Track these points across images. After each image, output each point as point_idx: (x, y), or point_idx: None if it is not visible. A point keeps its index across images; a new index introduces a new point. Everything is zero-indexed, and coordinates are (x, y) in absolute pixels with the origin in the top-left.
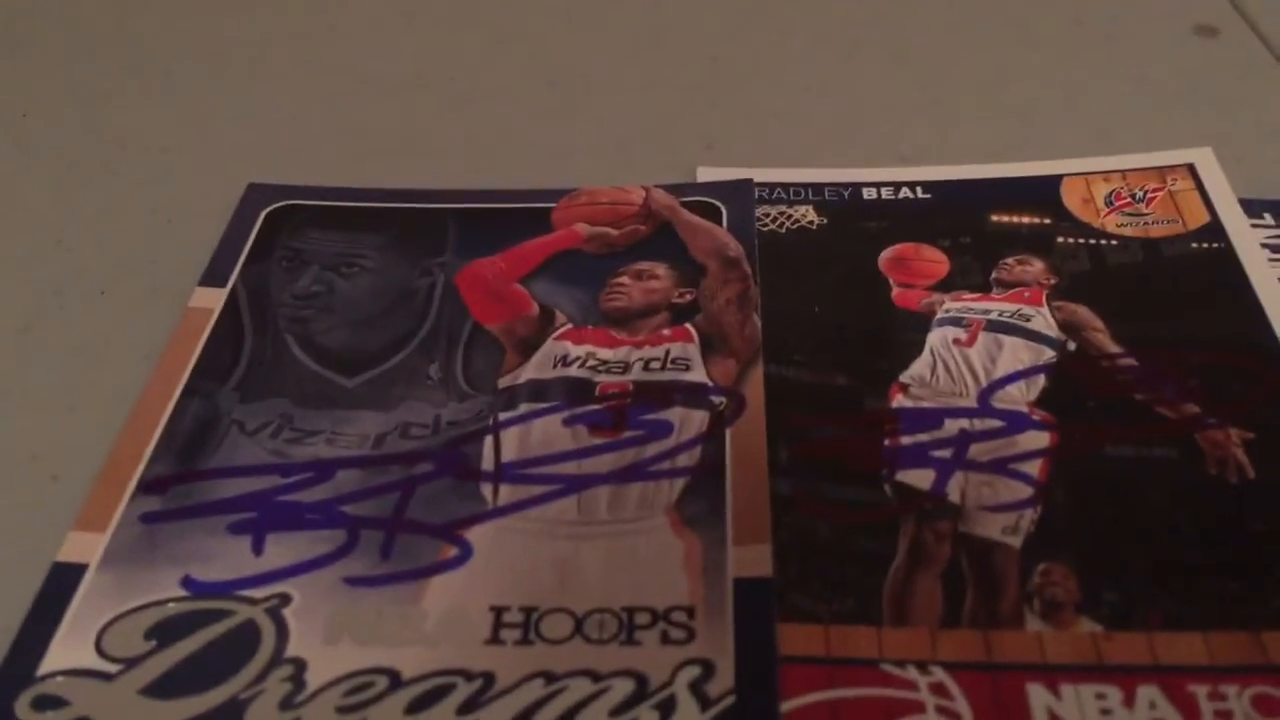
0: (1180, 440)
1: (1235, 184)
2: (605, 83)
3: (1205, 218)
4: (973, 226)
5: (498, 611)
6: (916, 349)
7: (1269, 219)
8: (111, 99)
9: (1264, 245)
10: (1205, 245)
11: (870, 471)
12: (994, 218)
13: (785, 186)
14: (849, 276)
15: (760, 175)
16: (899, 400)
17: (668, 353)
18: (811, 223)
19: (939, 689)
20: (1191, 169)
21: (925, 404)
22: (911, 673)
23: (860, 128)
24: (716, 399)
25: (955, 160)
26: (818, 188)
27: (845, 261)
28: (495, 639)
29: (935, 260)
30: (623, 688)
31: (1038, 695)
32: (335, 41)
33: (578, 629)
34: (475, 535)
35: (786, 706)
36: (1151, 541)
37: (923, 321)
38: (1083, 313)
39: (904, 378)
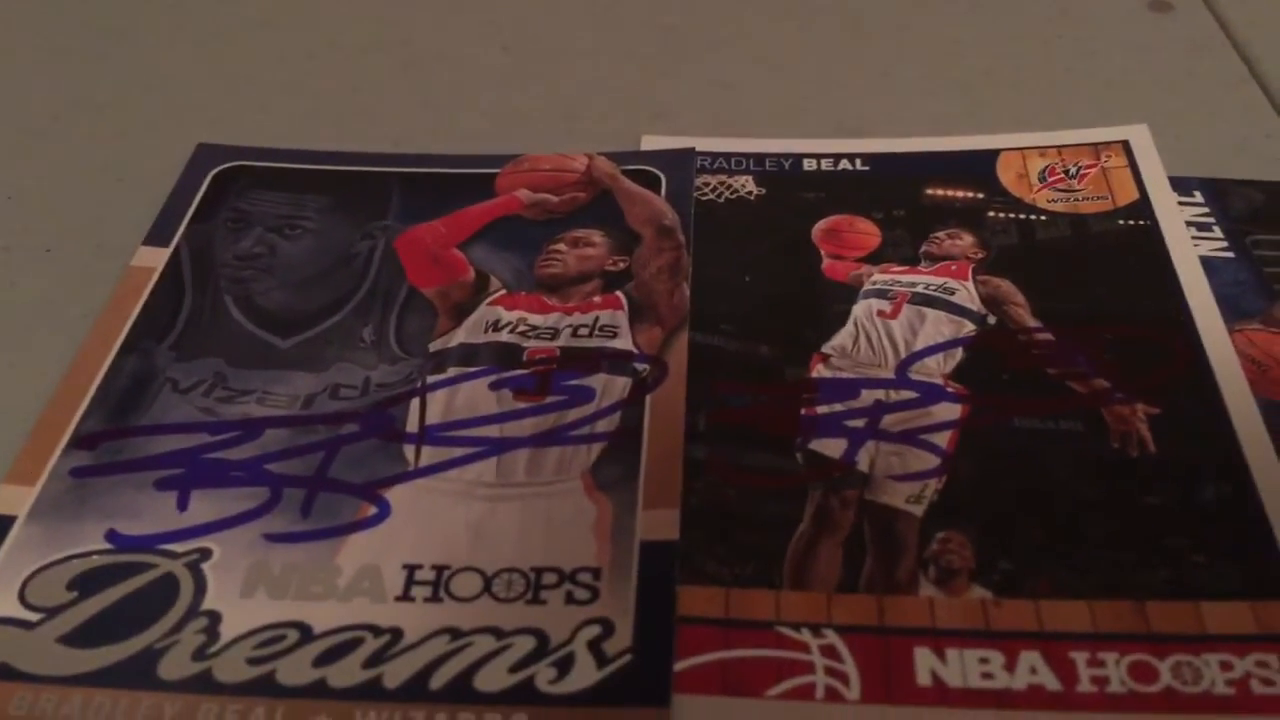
0: (1088, 414)
1: (1173, 161)
2: (558, 50)
3: (1135, 195)
4: (907, 199)
5: (410, 569)
6: (841, 320)
7: (1199, 196)
8: (65, 56)
9: (1190, 223)
10: (1132, 222)
11: (784, 439)
12: (929, 191)
13: (727, 156)
14: (782, 247)
15: (704, 145)
16: (819, 370)
17: (596, 319)
18: (750, 193)
19: (829, 651)
20: (1126, 146)
21: (844, 374)
22: (805, 635)
23: (808, 99)
24: (640, 366)
25: (900, 133)
26: (759, 158)
27: (780, 232)
28: (406, 596)
29: (867, 232)
30: (524, 645)
31: (924, 658)
32: (290, 4)
33: (486, 588)
34: (394, 495)
35: (680, 666)
36: (1048, 512)
37: (850, 293)
38: (1006, 287)
39: (826, 348)
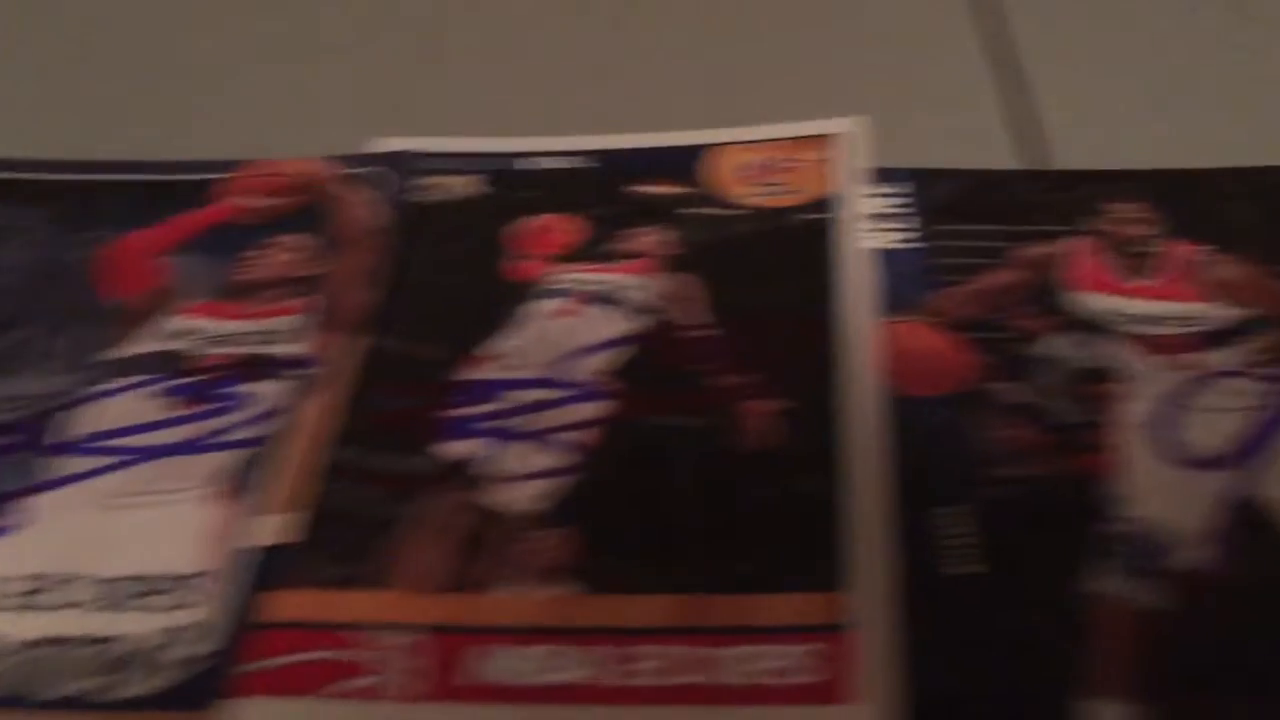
0: (723, 410)
1: (891, 153)
2: (282, 53)
3: (827, 188)
4: (615, 196)
5: (37, 579)
6: (519, 321)
7: (902, 188)
8: None
9: (883, 215)
10: (817, 216)
11: (421, 441)
12: (637, 188)
13: (450, 156)
14: (482, 248)
15: (428, 146)
16: (485, 371)
17: (279, 325)
18: (468, 193)
19: (402, 650)
20: (833, 139)
21: (504, 375)
22: (387, 636)
23: (538, 95)
24: (302, 372)
25: (628, 128)
26: (484, 158)
27: (486, 232)
28: (28, 606)
29: (569, 231)
30: (117, 650)
31: (500, 656)
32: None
33: (99, 595)
34: (33, 505)
35: (257, 668)
36: (656, 509)
37: (538, 293)
38: (686, 284)
39: (495, 349)
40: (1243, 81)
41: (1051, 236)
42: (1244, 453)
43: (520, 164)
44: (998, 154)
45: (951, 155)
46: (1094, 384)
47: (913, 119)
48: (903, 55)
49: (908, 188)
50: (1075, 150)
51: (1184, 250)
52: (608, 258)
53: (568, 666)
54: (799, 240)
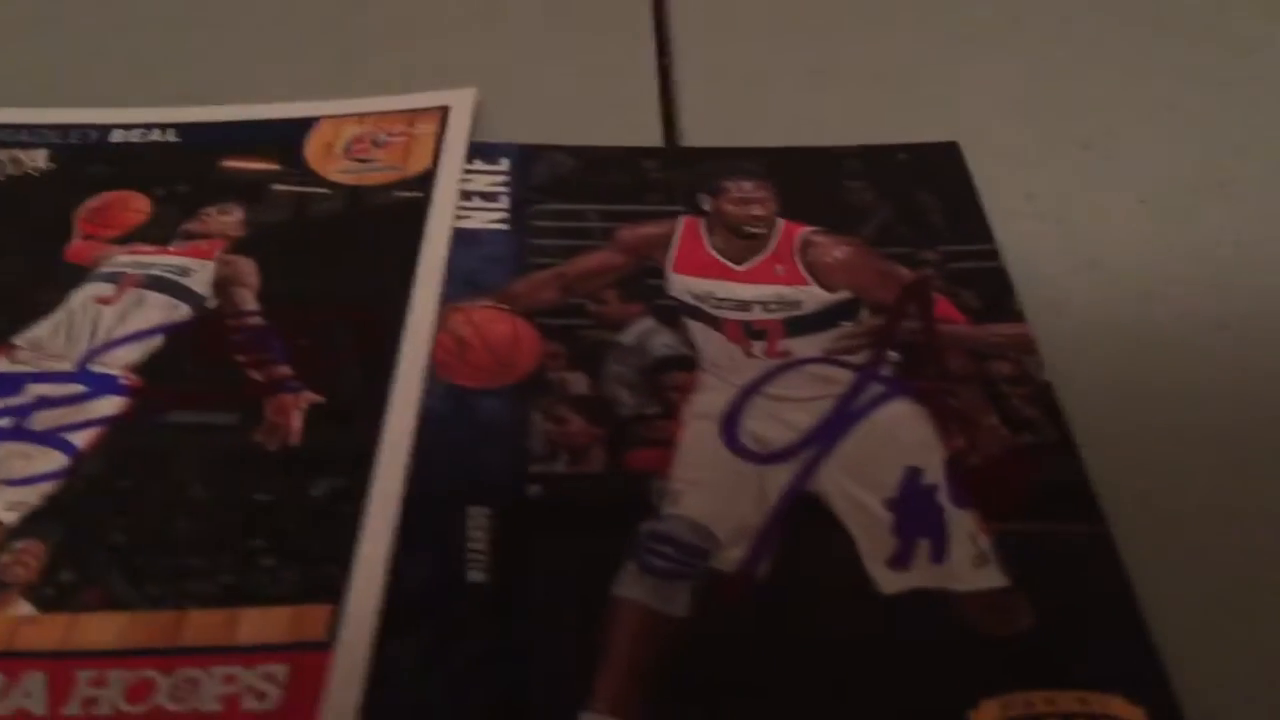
0: (250, 405)
1: (501, 128)
2: None
3: (426, 165)
4: (204, 172)
5: None
6: (52, 308)
7: (504, 164)
8: None
9: (479, 194)
10: (408, 194)
11: None
12: (228, 164)
13: (14, 128)
14: (45, 227)
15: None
16: (12, 362)
17: None
18: (38, 169)
19: None
20: (444, 112)
21: (24, 368)
22: None
23: (124, 63)
24: None
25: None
26: (51, 129)
27: (51, 211)
28: None
29: (136, 210)
30: None
31: None
32: None
33: None
34: None
35: None
36: (146, 514)
37: (90, 276)
38: (243, 267)
39: (18, 339)
40: (879, 59)
41: (661, 216)
42: (808, 445)
43: (108, 136)
44: (624, 130)
45: (575, 130)
46: (672, 373)
47: (529, 92)
48: (522, 26)
49: (510, 165)
50: (706, 128)
51: (794, 231)
52: (177, 239)
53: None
54: (379, 221)
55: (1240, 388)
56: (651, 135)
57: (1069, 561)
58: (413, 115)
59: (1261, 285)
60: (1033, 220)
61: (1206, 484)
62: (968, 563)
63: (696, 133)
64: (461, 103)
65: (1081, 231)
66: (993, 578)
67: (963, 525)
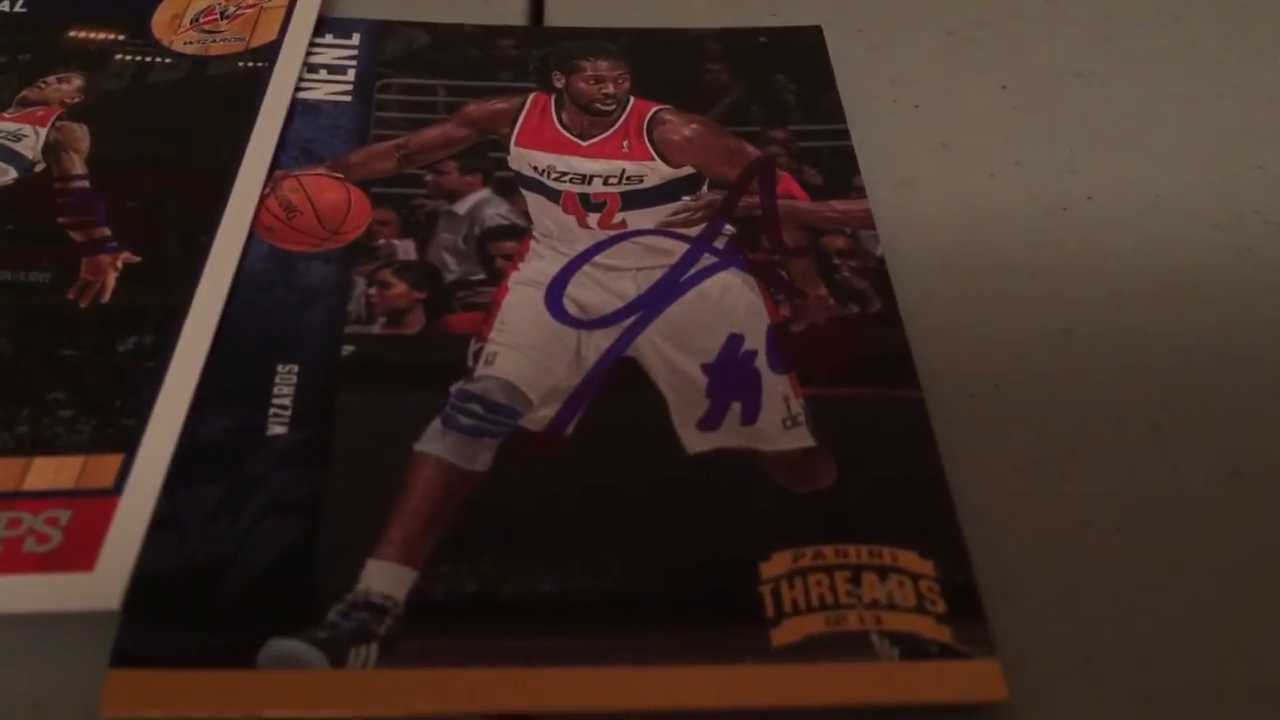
0: (67, 264)
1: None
2: None
3: (272, 36)
4: (47, 42)
5: None
6: None
7: (356, 39)
8: None
9: (324, 66)
10: (250, 65)
11: None
12: (73, 33)
13: None
14: None
15: None
16: None
17: None
18: None
19: None
20: None
21: None
22: None
23: None
24: None
25: None
26: None
27: None
28: None
29: None
30: None
31: None
32: None
33: None
34: None
35: None
36: None
37: None
38: (76, 133)
39: None
40: None
41: (509, 93)
42: (632, 311)
43: None
44: (492, 9)
45: (443, 8)
46: (501, 241)
47: None
48: None
49: (361, 39)
50: (574, 9)
51: (645, 109)
52: (14, 106)
53: None
54: (218, 91)
55: (1072, 265)
56: (519, 15)
57: (879, 425)
58: None
59: (1107, 169)
60: (890, 103)
61: (1026, 359)
62: (777, 424)
63: (564, 13)
64: None
65: (938, 115)
66: (800, 438)
67: (777, 388)
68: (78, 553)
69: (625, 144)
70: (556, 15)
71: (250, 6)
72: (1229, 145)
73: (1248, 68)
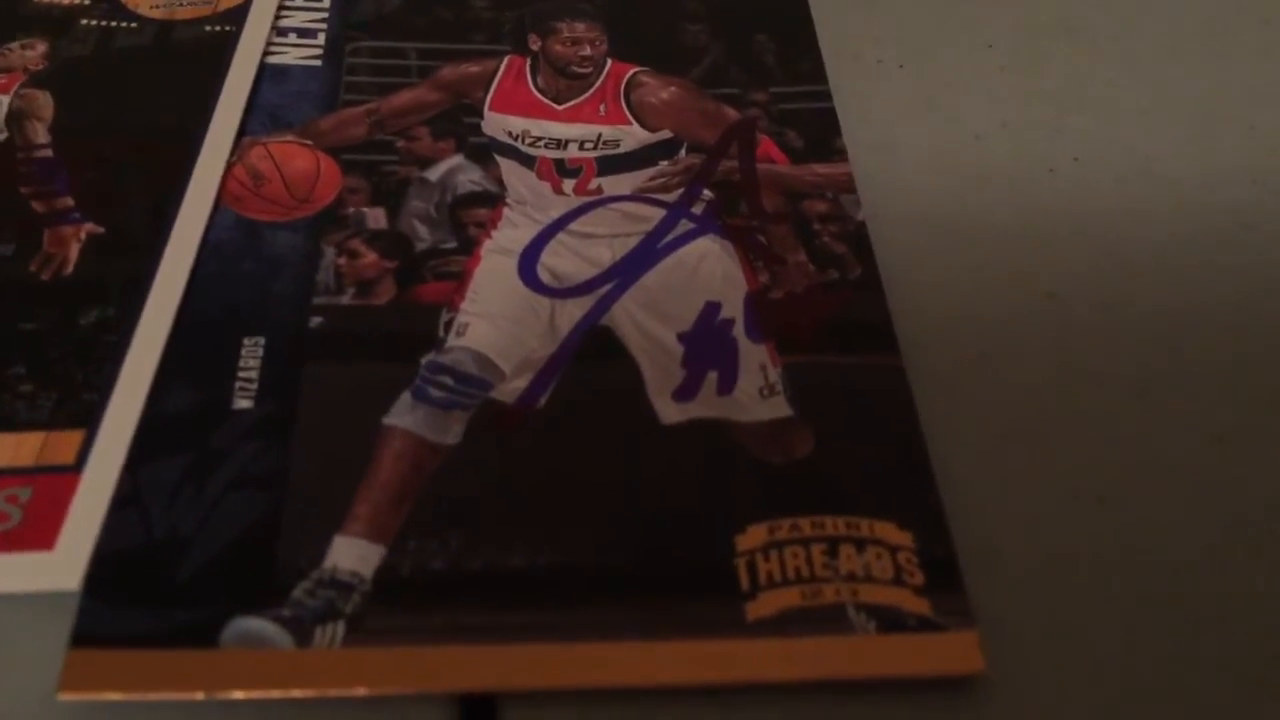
0: (30, 235)
1: None
2: None
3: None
4: (10, 7)
5: None
6: None
7: (326, 1)
8: None
9: (294, 29)
10: (217, 29)
11: None
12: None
13: None
14: None
15: None
16: None
17: None
18: None
19: None
20: None
21: None
22: None
23: None
24: None
25: None
26: None
27: None
28: None
29: None
30: None
31: None
32: None
33: None
34: None
35: None
36: None
37: None
38: (39, 100)
39: None
40: None
41: (485, 56)
42: (607, 279)
43: None
44: None
45: None
46: (474, 209)
47: None
48: None
49: (329, 1)
50: None
51: (623, 71)
52: None
53: None
54: (184, 55)
55: (1058, 230)
56: None
57: (858, 394)
58: None
59: (1095, 131)
60: (874, 64)
61: (1011, 325)
62: (754, 394)
63: None
64: None
65: (923, 73)
66: (778, 408)
67: (754, 357)
68: (37, 532)
69: (602, 107)
70: None
71: None
72: (1220, 105)
73: (1240, 23)
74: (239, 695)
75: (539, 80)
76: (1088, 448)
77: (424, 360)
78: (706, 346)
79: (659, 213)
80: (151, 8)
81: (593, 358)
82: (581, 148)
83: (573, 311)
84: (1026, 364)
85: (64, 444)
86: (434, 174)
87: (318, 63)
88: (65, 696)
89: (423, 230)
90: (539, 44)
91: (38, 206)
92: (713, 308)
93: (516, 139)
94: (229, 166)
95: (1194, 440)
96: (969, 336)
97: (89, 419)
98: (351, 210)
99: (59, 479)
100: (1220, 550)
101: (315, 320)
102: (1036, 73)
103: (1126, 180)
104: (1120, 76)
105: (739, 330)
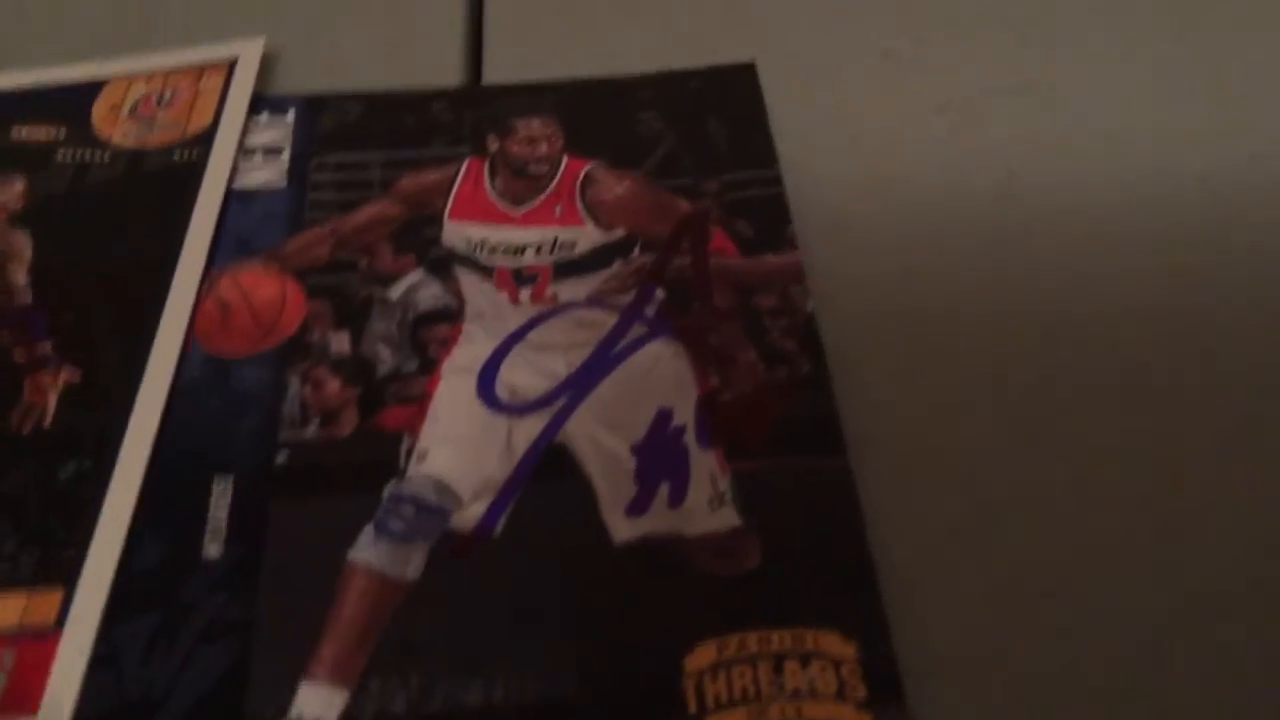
0: (10, 386)
1: (285, 79)
2: None
3: (208, 120)
4: None
5: None
6: None
7: (290, 117)
8: None
9: (262, 149)
10: (186, 155)
11: None
12: (16, 132)
13: None
14: None
15: None
16: None
17: None
18: None
19: None
20: (232, 65)
21: None
22: None
23: None
24: None
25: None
26: None
27: None
28: None
29: None
30: None
31: None
32: None
33: None
34: None
35: None
36: None
37: None
38: (17, 243)
39: None
40: None
41: (446, 160)
42: (561, 393)
43: None
44: (428, 71)
45: (379, 74)
46: (435, 326)
47: (331, 38)
48: None
49: (295, 116)
50: (512, 64)
51: (577, 168)
52: None
53: None
54: (155, 186)
55: (1007, 308)
56: (456, 75)
57: (804, 498)
58: (201, 70)
59: (1047, 193)
60: (825, 135)
61: (957, 412)
62: (704, 505)
63: (503, 69)
64: (249, 54)
65: (871, 144)
66: (726, 518)
67: (704, 466)
68: (22, 698)
69: (558, 209)
70: (495, 71)
71: (187, 91)
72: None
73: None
74: None
75: (497, 183)
76: (1036, 547)
77: (386, 491)
78: (658, 457)
79: (612, 318)
80: (123, 136)
81: (548, 477)
82: (538, 253)
83: (530, 429)
84: (973, 456)
85: (44, 604)
86: (395, 292)
87: (282, 184)
88: None
89: (385, 353)
90: (497, 144)
91: (18, 356)
92: (665, 415)
93: (475, 248)
94: (198, 300)
95: (1140, 533)
96: (915, 427)
97: (68, 576)
98: (316, 336)
99: (40, 644)
100: (1169, 643)
101: (282, 455)
102: (986, 136)
103: (1075, 254)
104: (1074, 138)
105: (690, 438)
